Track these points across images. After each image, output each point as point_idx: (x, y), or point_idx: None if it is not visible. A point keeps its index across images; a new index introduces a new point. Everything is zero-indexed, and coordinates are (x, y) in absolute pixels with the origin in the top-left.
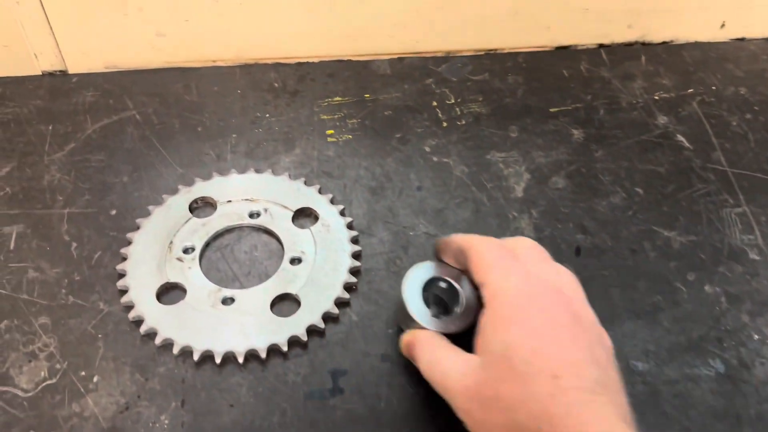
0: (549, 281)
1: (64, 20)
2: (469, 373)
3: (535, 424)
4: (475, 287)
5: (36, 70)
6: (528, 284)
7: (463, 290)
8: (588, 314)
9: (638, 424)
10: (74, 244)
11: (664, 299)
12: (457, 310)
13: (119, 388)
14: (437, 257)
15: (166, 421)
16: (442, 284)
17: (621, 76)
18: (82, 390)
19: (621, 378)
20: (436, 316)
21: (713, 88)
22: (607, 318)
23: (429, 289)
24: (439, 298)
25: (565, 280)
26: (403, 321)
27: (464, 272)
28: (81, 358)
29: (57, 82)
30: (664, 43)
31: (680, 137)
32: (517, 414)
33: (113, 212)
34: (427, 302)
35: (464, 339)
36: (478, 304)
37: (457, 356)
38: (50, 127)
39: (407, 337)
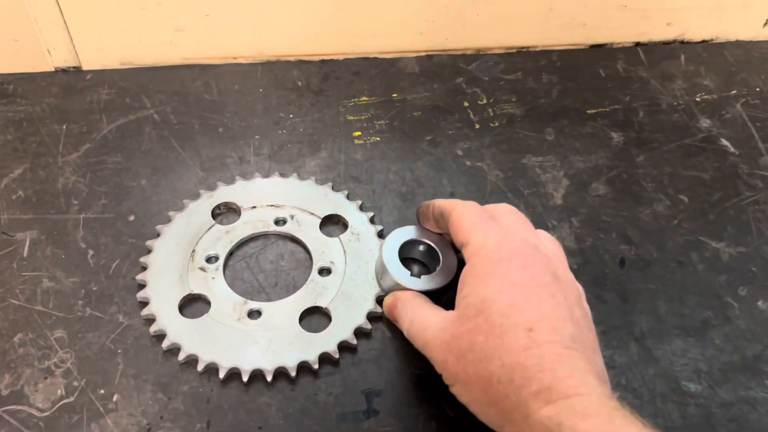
0: (529, 241)
1: (78, 14)
2: (446, 327)
3: (508, 375)
4: (457, 250)
5: (49, 67)
6: (508, 242)
7: (442, 251)
8: (568, 276)
9: None
10: (91, 252)
11: (715, 315)
12: (436, 269)
13: (140, 407)
14: (419, 223)
15: None
16: (421, 247)
17: (660, 76)
18: (101, 409)
19: (598, 340)
20: (415, 275)
21: (757, 89)
22: (656, 334)
23: (409, 252)
24: (418, 260)
25: (547, 243)
26: (385, 284)
27: (444, 235)
28: (100, 375)
29: (70, 79)
30: (704, 41)
31: (725, 141)
32: (491, 365)
33: (131, 218)
34: (407, 265)
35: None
36: (458, 265)
37: (437, 313)
38: (64, 127)
39: (389, 299)
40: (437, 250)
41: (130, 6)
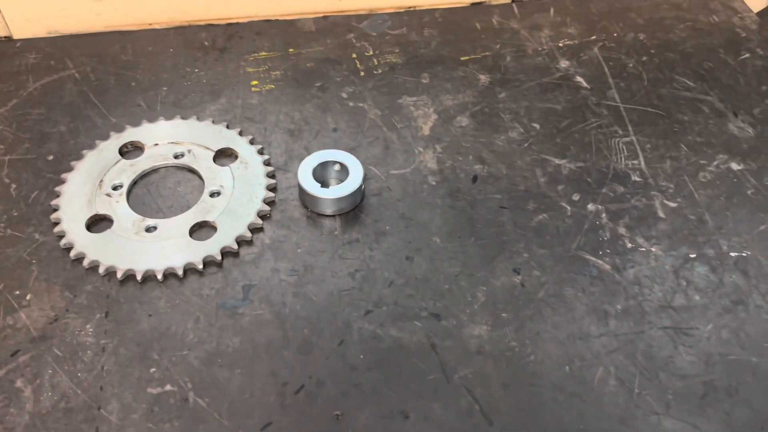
0: None
1: None
2: None
3: None
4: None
5: None
6: None
7: (351, 166)
8: None
9: (514, 320)
10: (13, 186)
11: (550, 217)
12: (346, 181)
13: (50, 303)
14: None
15: (91, 329)
16: (336, 166)
17: (529, 27)
18: (15, 306)
19: None
20: (325, 186)
21: (615, 35)
22: (495, 234)
23: (325, 172)
24: (337, 175)
25: None
26: (305, 200)
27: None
28: (16, 281)
29: (2, 47)
30: None
31: (579, 78)
32: None
33: (50, 158)
34: (323, 181)
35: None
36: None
37: None
38: None
39: None
40: (347, 165)
41: None
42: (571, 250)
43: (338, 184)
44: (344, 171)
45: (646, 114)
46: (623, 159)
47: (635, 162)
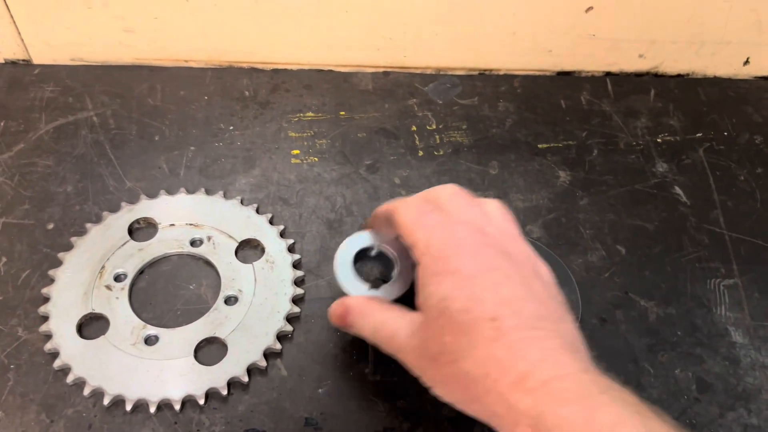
0: (474, 224)
1: (24, 9)
2: (415, 331)
3: (483, 370)
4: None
5: None
6: (453, 233)
7: (398, 255)
8: (520, 248)
9: None
10: (4, 259)
11: (627, 381)
12: (394, 275)
13: (21, 428)
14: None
15: None
16: (373, 252)
17: (624, 112)
18: None
19: (565, 305)
20: (375, 286)
21: (725, 133)
22: None
23: (363, 260)
24: (376, 266)
25: (493, 218)
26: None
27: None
28: None
29: (18, 72)
30: (679, 75)
31: (678, 190)
32: (464, 363)
33: (50, 226)
34: (362, 273)
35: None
36: (412, 265)
37: (401, 317)
38: (2, 124)
39: (337, 308)
40: (390, 254)
41: (77, 4)
42: None
43: (377, 277)
44: (385, 261)
45: (756, 249)
46: (724, 310)
47: (738, 315)
